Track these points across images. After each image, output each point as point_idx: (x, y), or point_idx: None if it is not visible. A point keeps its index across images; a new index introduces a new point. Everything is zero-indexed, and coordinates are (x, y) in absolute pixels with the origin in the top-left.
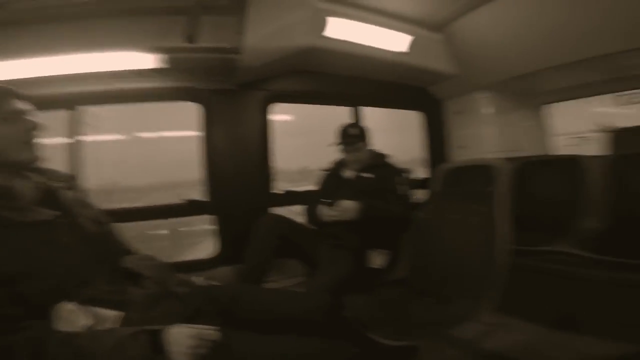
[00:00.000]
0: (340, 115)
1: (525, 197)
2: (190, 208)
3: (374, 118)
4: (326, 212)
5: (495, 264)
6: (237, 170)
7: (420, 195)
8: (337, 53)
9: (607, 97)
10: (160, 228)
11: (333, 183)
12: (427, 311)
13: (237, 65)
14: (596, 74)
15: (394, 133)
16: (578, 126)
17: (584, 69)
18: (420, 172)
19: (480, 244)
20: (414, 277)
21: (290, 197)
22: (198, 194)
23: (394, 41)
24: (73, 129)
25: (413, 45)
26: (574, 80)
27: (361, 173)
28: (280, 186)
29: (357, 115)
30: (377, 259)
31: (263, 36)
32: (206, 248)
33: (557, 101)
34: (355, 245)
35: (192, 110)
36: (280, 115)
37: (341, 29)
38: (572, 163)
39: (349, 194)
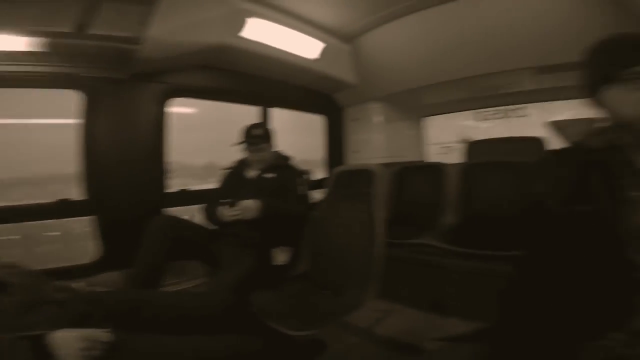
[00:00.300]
0: (250, 113)
1: (403, 197)
2: (62, 208)
3: (282, 119)
4: (226, 212)
5: (375, 257)
6: (123, 166)
7: (317, 195)
8: (250, 53)
9: (469, 113)
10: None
11: (235, 182)
12: (325, 302)
13: (133, 56)
14: (463, 92)
15: (300, 135)
16: (446, 137)
17: (454, 88)
18: (320, 173)
19: (363, 239)
20: (314, 271)
21: (186, 196)
22: (75, 191)
23: (307, 47)
24: None
25: (324, 53)
26: (446, 97)
27: (264, 173)
28: (183, 183)
29: (265, 115)
30: (281, 256)
31: (171, 29)
32: (92, 252)
33: (433, 114)
34: (257, 244)
35: (73, 99)
36: (188, 109)
37: (258, 31)
38: (436, 169)
39: (251, 193)
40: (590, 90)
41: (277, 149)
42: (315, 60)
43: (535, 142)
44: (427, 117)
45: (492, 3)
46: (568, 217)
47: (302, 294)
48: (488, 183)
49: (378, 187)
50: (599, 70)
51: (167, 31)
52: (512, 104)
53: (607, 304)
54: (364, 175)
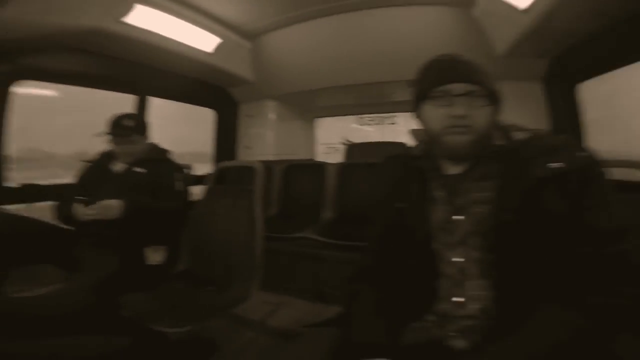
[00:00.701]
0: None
1: (290, 193)
2: None
3: (170, 110)
4: (82, 211)
5: (256, 251)
6: None
7: (199, 190)
8: (131, 40)
9: (354, 117)
10: None
11: (97, 176)
12: (207, 298)
13: None
14: (349, 98)
15: (188, 127)
16: (333, 138)
17: (343, 94)
18: (206, 168)
19: (244, 235)
20: (196, 268)
21: (31, 192)
22: None
23: (201, 40)
24: None
25: (221, 47)
26: (335, 101)
27: (133, 167)
28: (51, 174)
29: (143, 105)
30: (155, 256)
31: (33, 9)
32: None
33: (324, 116)
34: (121, 243)
35: None
36: (53, 92)
37: (145, 18)
38: (319, 167)
39: (115, 189)
40: (414, 105)
41: (152, 142)
42: (210, 54)
43: (401, 146)
44: (318, 118)
45: (381, 19)
46: (389, 212)
47: (182, 292)
48: (359, 181)
49: (258, 183)
50: (418, 88)
51: (27, 10)
52: (388, 112)
53: (420, 290)
54: (245, 171)
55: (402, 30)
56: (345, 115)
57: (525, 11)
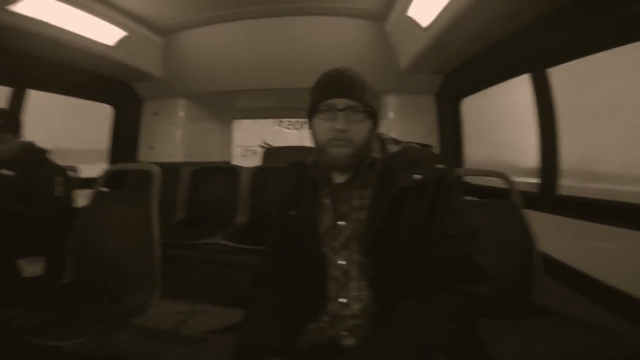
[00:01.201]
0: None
1: (200, 197)
2: None
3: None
4: None
5: (153, 259)
6: None
7: (86, 195)
8: (16, 29)
9: (274, 121)
10: None
11: None
12: (98, 309)
13: None
14: (269, 101)
15: (79, 124)
16: (251, 141)
17: (263, 97)
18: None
19: (139, 243)
20: (85, 279)
21: None
22: None
23: (101, 32)
24: None
25: (125, 41)
26: (255, 103)
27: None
28: None
29: (19, 98)
30: (31, 267)
31: None
32: None
33: (242, 118)
34: None
35: None
36: None
37: (36, 6)
38: (233, 171)
39: None
40: (307, 117)
41: (27, 140)
42: (111, 47)
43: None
44: (236, 120)
45: (301, 27)
46: (284, 219)
47: (68, 305)
48: (274, 186)
49: (156, 188)
50: (310, 100)
51: None
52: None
53: (313, 292)
54: (140, 175)
55: (320, 39)
56: (265, 118)
57: (426, 29)
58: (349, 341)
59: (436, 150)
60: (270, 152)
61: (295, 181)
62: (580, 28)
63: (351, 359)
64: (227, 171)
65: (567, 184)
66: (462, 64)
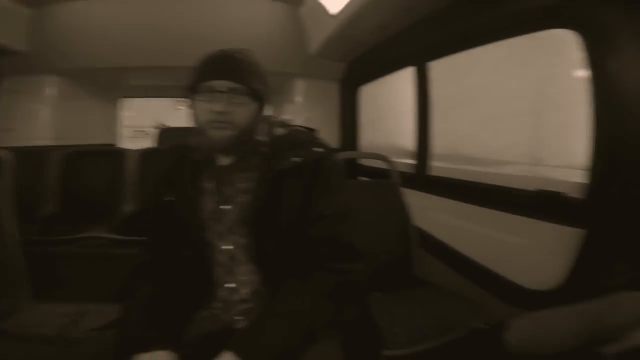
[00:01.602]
0: None
1: (74, 185)
2: None
3: None
4: None
5: (9, 259)
6: None
7: None
8: None
9: (171, 100)
10: None
11: None
12: None
13: None
14: (169, 80)
15: None
16: (143, 121)
17: (159, 75)
18: None
19: None
20: None
21: None
22: None
23: None
24: None
25: None
26: (151, 82)
27: None
28: None
29: None
30: None
31: None
32: None
33: (132, 97)
34: None
35: None
36: None
37: None
38: (117, 154)
39: None
40: (188, 97)
41: None
42: None
43: None
44: (124, 99)
45: (208, 4)
46: (160, 206)
47: None
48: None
49: (7, 176)
50: (192, 81)
51: None
52: None
53: (200, 279)
54: None
55: (229, 18)
56: (162, 97)
57: (335, 16)
58: (243, 325)
59: (333, 133)
60: (167, 133)
61: (174, 165)
62: (458, 25)
63: (237, 344)
64: (110, 155)
65: (438, 166)
66: (364, 53)
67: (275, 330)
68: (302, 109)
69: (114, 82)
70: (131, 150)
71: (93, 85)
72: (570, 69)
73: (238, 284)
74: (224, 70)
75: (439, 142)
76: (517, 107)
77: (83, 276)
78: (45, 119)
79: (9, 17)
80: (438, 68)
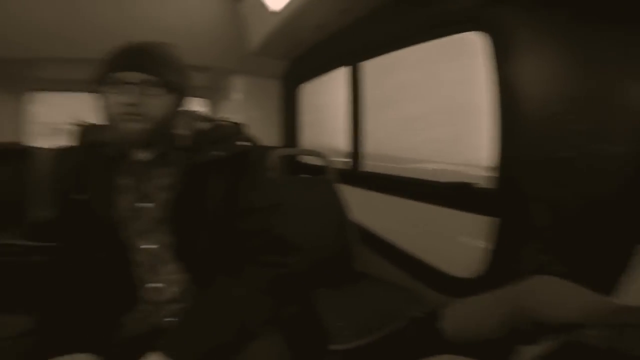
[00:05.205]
0: None
1: None
2: None
3: None
4: None
5: None
6: None
7: None
8: None
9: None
10: None
11: None
12: None
13: None
14: (85, 73)
15: None
16: (57, 117)
17: (79, 67)
18: None
19: None
20: None
21: None
22: None
23: None
24: None
25: None
26: (67, 75)
27: None
28: None
29: None
30: None
31: None
32: None
33: (44, 91)
34: None
35: None
36: None
37: None
38: (25, 153)
39: None
40: (96, 90)
41: None
42: None
43: None
44: (34, 93)
45: None
46: (71, 205)
47: None
48: None
49: None
50: (100, 72)
51: None
52: None
53: (119, 281)
54: None
55: (164, 10)
56: (81, 91)
57: (276, 13)
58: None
59: (274, 131)
60: (88, 131)
61: (82, 161)
62: (387, 27)
63: (165, 343)
64: (15, 154)
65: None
66: (305, 52)
67: (205, 327)
68: (242, 107)
69: (21, 74)
70: (43, 148)
71: None
72: (480, 71)
73: (164, 283)
74: (134, 61)
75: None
76: (434, 108)
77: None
78: None
79: None
80: (369, 68)
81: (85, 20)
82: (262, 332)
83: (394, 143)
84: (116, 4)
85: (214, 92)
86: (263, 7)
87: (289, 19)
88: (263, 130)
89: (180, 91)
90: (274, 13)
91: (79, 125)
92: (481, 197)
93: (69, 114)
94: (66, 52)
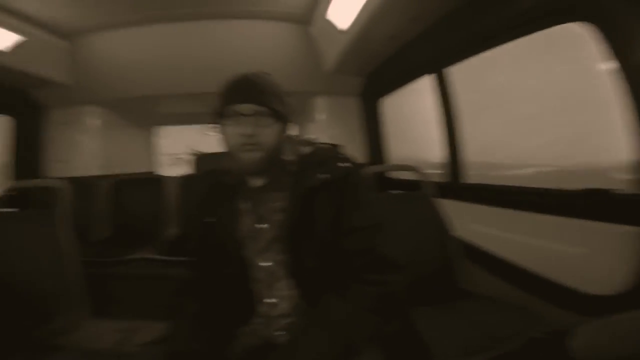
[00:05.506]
0: None
1: (123, 211)
2: None
3: None
4: None
5: (72, 279)
6: None
7: None
8: None
9: (203, 126)
10: None
11: None
12: (23, 334)
13: None
14: (197, 106)
15: None
16: (178, 148)
17: (189, 102)
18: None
19: (52, 263)
20: None
21: None
22: None
23: None
24: None
25: (22, 45)
26: (182, 109)
27: None
28: None
29: None
30: None
31: None
32: None
33: (166, 124)
34: None
35: None
36: None
37: None
38: (156, 182)
39: None
40: (215, 121)
41: None
42: (4, 53)
43: None
44: (160, 127)
45: (224, 30)
46: (201, 227)
47: None
48: None
49: (64, 205)
50: (219, 105)
51: None
52: None
53: (240, 296)
54: (45, 192)
55: (244, 42)
56: (193, 124)
57: (344, 32)
58: (285, 340)
59: (359, 148)
60: (202, 159)
61: (209, 188)
62: (469, 29)
63: (282, 358)
64: (152, 182)
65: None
66: (379, 66)
67: (314, 345)
68: (325, 126)
69: (149, 110)
70: (170, 177)
71: (131, 114)
72: (594, 64)
73: (278, 299)
74: (246, 93)
75: (467, 149)
76: (546, 107)
77: (134, 294)
78: (91, 149)
79: (50, 50)
80: (458, 73)
81: (189, 60)
82: (365, 349)
83: (499, 149)
84: (209, 44)
85: (298, 116)
86: (332, 26)
87: (359, 34)
88: (348, 148)
89: (285, 119)
90: (343, 31)
91: (196, 155)
92: (622, 204)
93: (187, 144)
94: (178, 89)
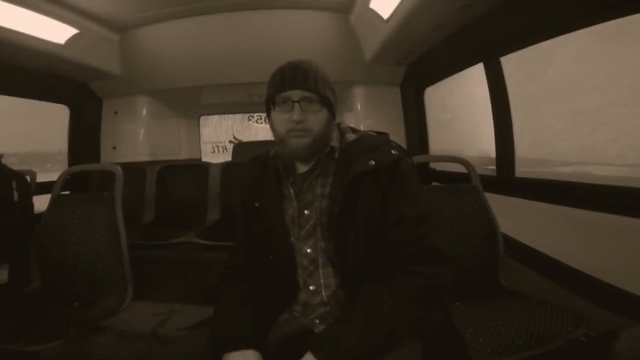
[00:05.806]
0: None
1: (169, 196)
2: None
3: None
4: None
5: (122, 260)
6: None
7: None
8: None
9: (243, 116)
10: None
11: None
12: (71, 314)
13: None
14: (238, 96)
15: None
16: (221, 137)
17: (231, 91)
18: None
19: (106, 245)
20: (52, 285)
21: None
22: None
23: (50, 31)
24: None
25: (77, 38)
26: (223, 99)
27: None
28: None
29: None
30: None
31: None
32: None
33: (211, 114)
34: None
35: None
36: None
37: None
38: (201, 168)
39: None
40: (266, 109)
41: None
42: (62, 46)
43: None
44: (204, 116)
45: (266, 20)
46: (247, 211)
47: (38, 310)
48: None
49: (119, 188)
50: (267, 94)
51: None
52: None
53: (284, 282)
54: (103, 176)
55: (286, 32)
56: (234, 113)
57: (387, 21)
58: (321, 328)
59: (398, 138)
60: (240, 148)
61: (257, 174)
62: (529, 16)
63: (317, 346)
64: (196, 168)
65: (522, 169)
66: (422, 55)
67: (354, 333)
68: (363, 116)
69: (193, 100)
70: (214, 164)
71: (177, 104)
72: None
73: (318, 286)
74: (296, 80)
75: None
76: (617, 100)
77: (174, 278)
78: (142, 136)
79: (102, 43)
80: (513, 63)
81: (234, 51)
82: (404, 341)
83: (559, 144)
84: (253, 35)
85: (339, 104)
86: (375, 15)
87: (401, 24)
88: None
89: (333, 105)
90: (384, 20)
91: (235, 143)
92: None
93: (227, 133)
94: (223, 80)
